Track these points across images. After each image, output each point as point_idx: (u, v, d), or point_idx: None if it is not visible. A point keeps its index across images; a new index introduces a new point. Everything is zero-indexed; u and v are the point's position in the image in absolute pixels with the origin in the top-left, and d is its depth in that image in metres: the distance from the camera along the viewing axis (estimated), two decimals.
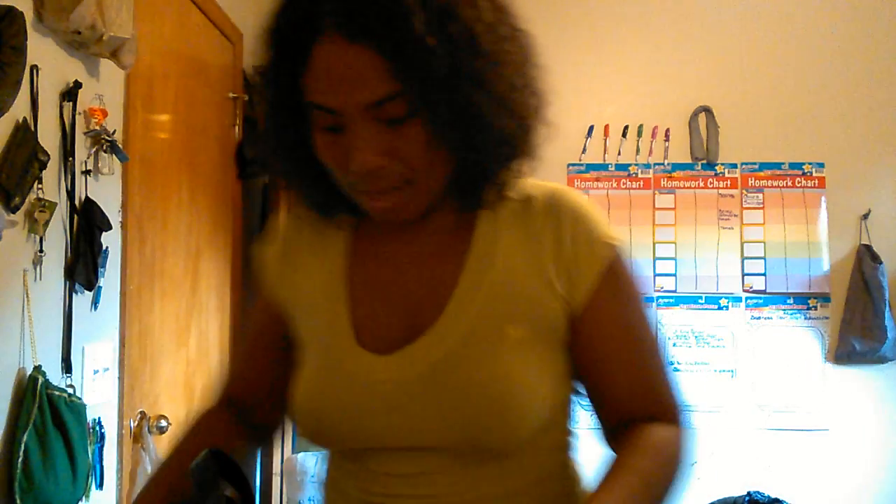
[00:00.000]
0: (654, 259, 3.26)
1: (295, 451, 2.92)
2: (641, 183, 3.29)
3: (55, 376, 1.69)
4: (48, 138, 1.67)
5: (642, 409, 0.89)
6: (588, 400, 0.92)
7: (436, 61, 0.76)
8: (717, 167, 3.28)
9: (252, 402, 1.03)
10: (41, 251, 1.65)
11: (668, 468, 0.85)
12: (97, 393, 1.90)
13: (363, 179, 0.82)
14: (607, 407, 0.91)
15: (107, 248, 1.90)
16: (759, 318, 3.24)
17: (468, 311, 0.86)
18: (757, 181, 3.28)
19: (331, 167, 0.84)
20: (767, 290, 3.24)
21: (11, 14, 1.49)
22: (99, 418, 1.89)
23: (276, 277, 1.00)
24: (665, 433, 0.87)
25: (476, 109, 0.79)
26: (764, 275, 3.25)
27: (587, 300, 0.87)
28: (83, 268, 1.78)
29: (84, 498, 1.71)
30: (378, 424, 0.86)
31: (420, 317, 0.88)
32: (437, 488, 0.87)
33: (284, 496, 2.83)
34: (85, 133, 1.82)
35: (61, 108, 1.73)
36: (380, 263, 0.93)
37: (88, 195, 1.82)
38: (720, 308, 3.24)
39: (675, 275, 3.26)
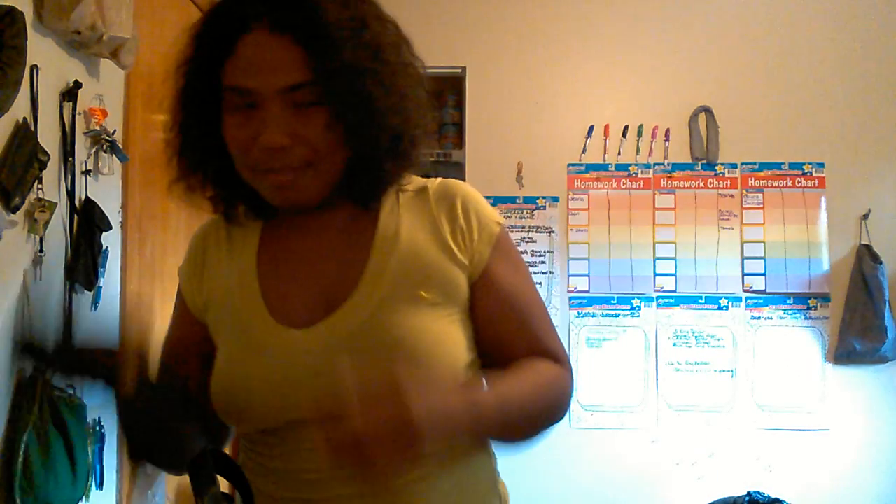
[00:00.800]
0: (654, 259, 3.25)
1: None
2: (641, 183, 3.29)
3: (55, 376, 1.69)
4: (48, 138, 1.67)
5: (531, 356, 1.00)
6: (483, 359, 1.01)
7: (345, 58, 0.88)
8: (717, 167, 3.28)
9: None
10: (41, 251, 1.65)
11: (549, 386, 0.98)
12: (97, 393, 1.90)
13: (269, 156, 0.90)
14: (502, 360, 0.99)
15: (107, 248, 1.90)
16: (759, 318, 3.24)
17: (382, 281, 0.95)
18: (757, 181, 3.28)
19: (236, 149, 0.93)
20: (767, 290, 3.24)
21: (11, 14, 1.49)
22: (99, 418, 1.89)
23: (191, 287, 1.07)
24: (547, 365, 1.00)
25: (372, 105, 0.90)
26: (764, 275, 3.25)
27: (483, 266, 0.99)
28: (83, 268, 1.78)
29: (84, 498, 1.71)
30: (304, 394, 0.91)
31: (335, 293, 0.96)
32: None
33: None
34: (85, 133, 1.82)
35: (61, 108, 1.73)
36: (288, 254, 1.01)
37: (88, 195, 1.82)
38: (720, 308, 3.24)
39: (675, 275, 3.26)
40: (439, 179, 1.05)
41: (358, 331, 0.93)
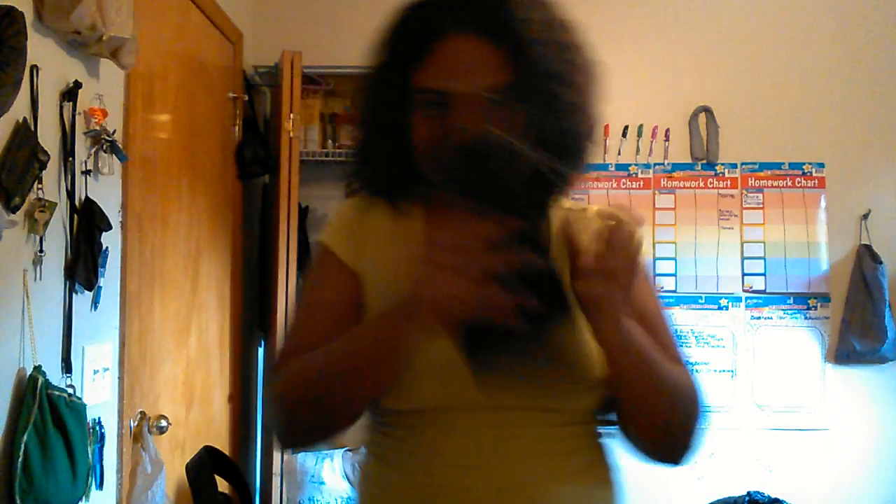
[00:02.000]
0: (654, 259, 3.25)
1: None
2: (641, 183, 3.29)
3: (55, 376, 1.69)
4: (48, 138, 1.67)
5: None
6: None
7: (543, 62, 0.92)
8: (717, 167, 3.28)
9: None
10: (41, 251, 1.65)
11: (683, 377, 0.98)
12: (97, 393, 1.90)
13: (462, 155, 0.90)
14: None
15: (107, 248, 1.90)
16: (759, 318, 3.24)
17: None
18: (757, 181, 3.28)
19: (427, 148, 0.95)
20: (767, 290, 3.24)
21: (11, 14, 1.49)
22: (99, 418, 1.89)
23: (349, 252, 1.05)
24: (683, 370, 1.00)
25: (566, 108, 0.95)
26: (764, 275, 3.25)
27: None
28: (83, 268, 1.78)
29: (84, 498, 1.71)
30: (464, 382, 0.93)
31: None
32: (509, 448, 0.94)
33: (284, 496, 2.83)
34: (85, 133, 1.82)
35: (61, 108, 1.73)
36: None
37: (88, 195, 1.82)
38: (720, 308, 3.24)
39: (675, 275, 3.26)
40: (585, 206, 1.10)
41: None
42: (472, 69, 0.92)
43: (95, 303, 1.90)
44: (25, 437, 1.52)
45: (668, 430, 0.97)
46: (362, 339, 0.92)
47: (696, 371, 1.04)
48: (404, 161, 0.99)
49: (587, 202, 3.27)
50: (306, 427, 0.99)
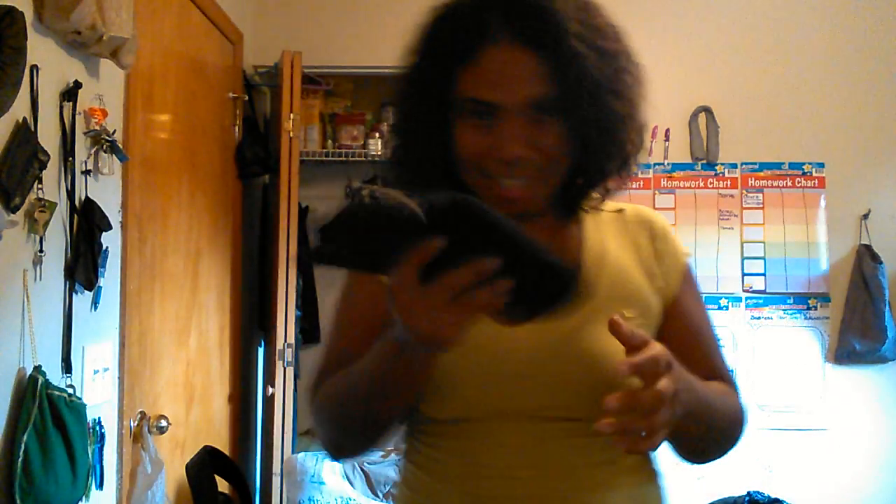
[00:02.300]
0: None
1: (295, 451, 2.92)
2: (641, 183, 3.29)
3: (55, 376, 1.69)
4: (48, 138, 1.67)
5: (710, 377, 1.01)
6: None
7: (588, 73, 0.90)
8: (717, 167, 3.28)
9: None
10: (41, 251, 1.64)
11: (732, 403, 1.00)
12: (97, 393, 1.90)
13: (505, 167, 0.92)
14: None
15: (107, 248, 1.90)
16: (759, 318, 3.24)
17: (592, 293, 0.94)
18: (757, 181, 3.28)
19: (469, 156, 0.94)
20: (767, 290, 3.24)
21: (11, 14, 1.49)
22: (99, 418, 1.89)
23: None
24: (729, 388, 1.02)
25: (607, 120, 0.93)
26: (764, 275, 3.25)
27: (674, 295, 1.03)
28: (83, 268, 1.78)
29: (84, 498, 1.71)
30: (508, 390, 0.93)
31: None
32: (550, 458, 0.94)
33: (284, 496, 2.83)
34: (85, 133, 1.82)
35: (61, 108, 1.73)
36: None
37: (88, 195, 1.82)
38: (720, 308, 3.24)
39: None
40: (632, 205, 1.10)
41: (565, 337, 0.94)
42: (519, 79, 0.90)
43: (95, 303, 1.90)
44: (25, 437, 1.52)
45: (712, 451, 1.01)
46: (376, 360, 0.91)
47: (737, 383, 1.06)
48: (443, 167, 0.98)
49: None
50: (345, 442, 1.01)
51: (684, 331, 1.03)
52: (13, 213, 1.54)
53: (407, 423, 1.03)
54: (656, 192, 3.29)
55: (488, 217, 0.72)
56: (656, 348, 0.78)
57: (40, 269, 1.66)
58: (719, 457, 1.02)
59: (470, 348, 0.91)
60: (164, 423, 2.20)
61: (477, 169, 0.94)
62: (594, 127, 0.93)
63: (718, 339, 1.08)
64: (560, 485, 0.94)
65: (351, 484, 2.83)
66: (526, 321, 0.79)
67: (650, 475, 1.03)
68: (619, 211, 1.07)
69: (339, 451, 1.05)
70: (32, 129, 1.60)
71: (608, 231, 1.04)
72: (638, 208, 1.09)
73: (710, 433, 0.96)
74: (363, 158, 3.18)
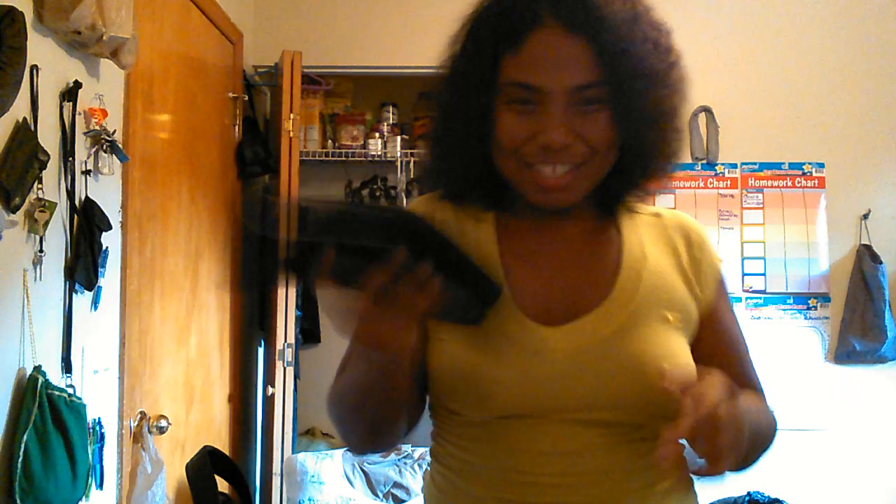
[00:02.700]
0: None
1: (295, 451, 2.92)
2: None
3: (55, 376, 1.69)
4: (48, 138, 1.67)
5: (742, 386, 0.99)
6: None
7: (634, 60, 0.89)
8: (717, 167, 3.28)
9: None
10: (41, 251, 1.65)
11: (766, 413, 1.01)
12: (97, 393, 1.90)
13: (548, 154, 0.90)
14: None
15: (107, 248, 1.90)
16: (759, 318, 3.24)
17: (633, 295, 0.96)
18: (757, 181, 3.28)
19: (511, 142, 0.91)
20: (767, 290, 3.24)
21: (11, 14, 1.49)
22: (99, 418, 1.89)
23: None
24: (761, 398, 1.04)
25: (656, 107, 0.92)
26: (764, 275, 3.25)
27: (710, 302, 1.03)
28: (83, 268, 1.78)
29: (84, 498, 1.71)
30: (546, 392, 0.91)
31: (583, 297, 0.96)
32: (585, 463, 0.92)
33: (284, 496, 2.83)
34: (85, 133, 1.82)
35: (61, 108, 1.73)
36: (532, 250, 1.00)
37: (88, 195, 1.82)
38: None
39: None
40: (669, 209, 1.09)
41: (608, 339, 0.93)
42: (566, 64, 0.88)
43: (95, 303, 1.90)
44: (25, 437, 1.52)
45: (747, 462, 1.00)
46: (354, 362, 0.93)
47: (765, 392, 1.07)
48: (483, 157, 0.96)
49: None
50: (358, 437, 1.01)
51: (719, 339, 1.03)
52: (13, 213, 1.54)
53: (435, 422, 1.02)
54: (656, 192, 3.28)
55: (426, 228, 0.75)
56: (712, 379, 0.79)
57: (40, 269, 1.66)
58: (750, 467, 1.01)
59: (509, 347, 0.92)
60: (164, 423, 2.20)
61: (516, 156, 0.92)
62: (642, 120, 0.91)
63: (749, 348, 1.07)
64: (594, 490, 0.92)
65: (351, 484, 2.83)
66: (458, 323, 0.80)
67: (684, 481, 1.02)
68: (657, 215, 1.06)
69: (352, 446, 1.06)
70: (32, 129, 1.60)
71: (647, 234, 1.03)
72: (676, 213, 1.08)
73: (751, 447, 0.94)
74: (363, 158, 3.18)
